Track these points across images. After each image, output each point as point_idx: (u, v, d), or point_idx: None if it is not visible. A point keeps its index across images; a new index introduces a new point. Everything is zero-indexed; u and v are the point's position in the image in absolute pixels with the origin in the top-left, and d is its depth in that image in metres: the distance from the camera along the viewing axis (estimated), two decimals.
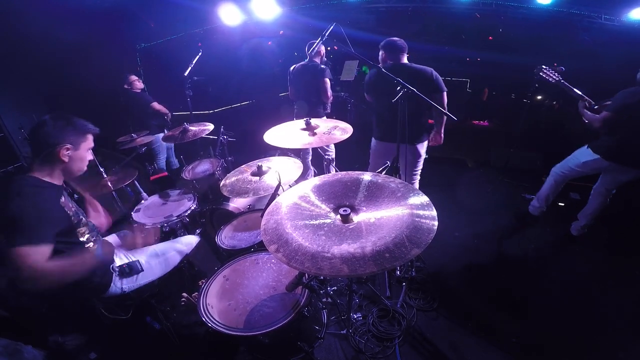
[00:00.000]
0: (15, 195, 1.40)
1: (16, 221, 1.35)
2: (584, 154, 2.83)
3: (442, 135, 2.89)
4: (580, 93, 2.79)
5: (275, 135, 2.18)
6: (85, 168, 1.67)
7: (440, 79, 2.63)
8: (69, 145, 1.53)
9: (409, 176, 2.86)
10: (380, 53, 2.79)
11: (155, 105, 4.18)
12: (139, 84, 4.18)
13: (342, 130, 2.18)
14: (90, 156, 1.68)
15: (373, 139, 3.05)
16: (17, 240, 1.32)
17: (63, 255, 1.47)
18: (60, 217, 1.54)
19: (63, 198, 1.61)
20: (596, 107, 2.72)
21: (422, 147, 2.84)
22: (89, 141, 1.64)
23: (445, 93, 2.64)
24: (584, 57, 4.31)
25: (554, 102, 5.24)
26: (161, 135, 4.15)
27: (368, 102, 3.03)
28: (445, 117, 2.76)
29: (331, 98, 3.84)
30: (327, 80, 3.66)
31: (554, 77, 2.88)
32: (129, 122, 4.30)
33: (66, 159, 1.54)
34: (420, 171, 2.98)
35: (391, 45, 2.72)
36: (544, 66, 2.90)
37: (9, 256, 1.31)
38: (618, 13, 3.89)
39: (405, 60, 2.73)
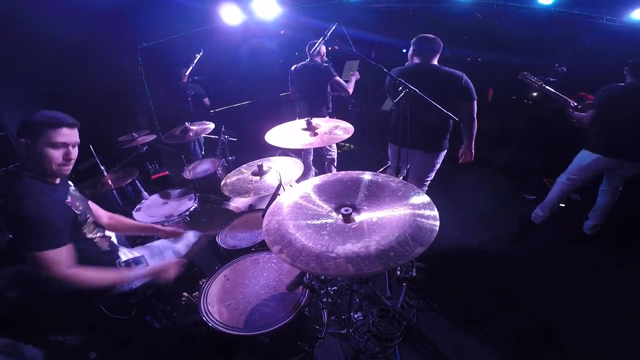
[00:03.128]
0: (23, 196, 1.37)
1: (30, 225, 1.35)
2: (584, 158, 2.83)
3: (473, 150, 2.67)
4: (563, 96, 2.87)
5: (276, 136, 2.18)
6: (58, 166, 1.48)
7: (472, 86, 2.40)
8: (22, 140, 1.43)
9: (417, 183, 2.74)
10: (411, 49, 2.55)
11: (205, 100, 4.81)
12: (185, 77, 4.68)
13: (344, 130, 2.18)
14: (63, 155, 1.48)
15: (390, 144, 2.85)
16: (38, 245, 1.35)
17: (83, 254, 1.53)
18: (68, 215, 1.55)
19: (69, 197, 1.61)
20: (580, 107, 2.81)
21: (440, 158, 2.66)
22: (48, 137, 1.43)
23: (475, 102, 2.43)
24: (585, 57, 4.31)
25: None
26: None
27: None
28: (475, 129, 2.54)
29: (351, 91, 3.81)
30: (338, 79, 3.64)
31: (537, 82, 2.95)
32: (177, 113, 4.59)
33: (23, 153, 1.45)
34: (430, 181, 2.84)
35: (422, 44, 2.47)
36: (526, 72, 2.98)
37: (33, 260, 1.36)
38: (620, 13, 3.88)
39: (435, 61, 2.50)
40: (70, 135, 1.49)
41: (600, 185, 2.97)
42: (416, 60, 2.53)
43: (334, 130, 2.19)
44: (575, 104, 2.82)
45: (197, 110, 4.79)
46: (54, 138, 1.44)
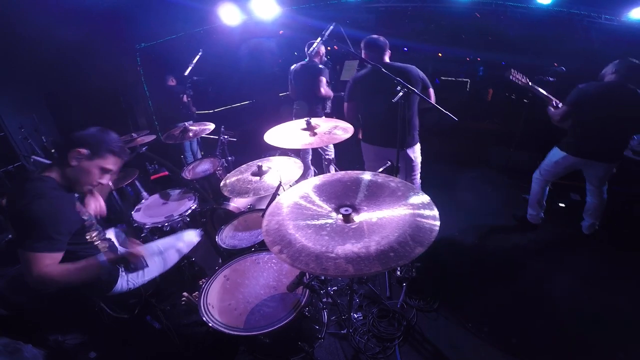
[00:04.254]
0: (38, 196, 1.37)
1: (37, 225, 1.34)
2: (554, 154, 2.90)
3: None
4: (547, 94, 2.89)
5: (275, 136, 2.18)
6: (89, 185, 1.57)
7: (424, 75, 2.54)
8: (83, 150, 1.47)
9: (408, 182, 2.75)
10: (362, 53, 2.64)
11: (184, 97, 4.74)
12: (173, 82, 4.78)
13: (343, 129, 2.18)
14: (98, 178, 1.56)
15: (362, 142, 2.90)
16: (35, 245, 1.33)
17: (70, 257, 1.48)
18: (76, 221, 1.55)
19: (78, 203, 1.63)
20: (560, 105, 2.82)
21: (413, 152, 2.70)
22: (106, 161, 1.54)
23: (431, 89, 2.56)
24: (584, 57, 4.31)
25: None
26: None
27: (351, 105, 2.77)
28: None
29: (330, 95, 3.83)
30: (322, 79, 3.66)
31: (522, 79, 2.97)
32: (172, 115, 4.73)
33: (73, 162, 1.47)
34: (419, 175, 2.87)
35: (373, 44, 2.58)
36: (512, 69, 2.99)
37: (23, 257, 1.33)
38: (618, 13, 3.90)
39: (387, 59, 2.60)
40: (119, 166, 1.60)
41: (585, 185, 3.00)
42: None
43: (333, 130, 2.19)
44: (558, 103, 2.84)
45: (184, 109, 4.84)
46: (109, 164, 1.54)
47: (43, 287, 1.37)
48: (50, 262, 1.36)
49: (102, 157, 1.51)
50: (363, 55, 2.66)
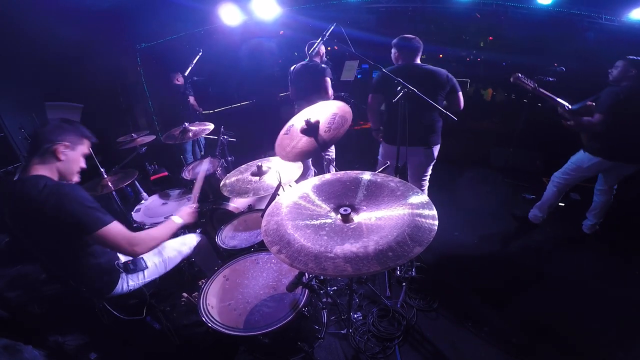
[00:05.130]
0: (61, 185, 1.45)
1: (83, 208, 1.42)
2: (583, 159, 2.80)
3: None
4: (556, 99, 2.82)
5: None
6: (77, 173, 1.65)
7: (455, 79, 2.58)
8: (67, 143, 1.54)
9: (417, 180, 2.77)
10: (393, 51, 2.66)
11: (191, 99, 4.79)
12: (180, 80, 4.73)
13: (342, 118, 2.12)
14: (83, 163, 1.68)
15: (384, 143, 2.88)
16: (96, 224, 1.43)
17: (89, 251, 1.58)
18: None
19: None
20: (575, 109, 2.73)
21: (437, 150, 2.73)
22: (85, 146, 1.66)
23: (460, 93, 2.60)
24: (584, 57, 4.31)
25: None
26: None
27: (377, 97, 2.76)
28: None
29: (332, 97, 3.83)
30: (328, 79, 3.65)
31: (530, 84, 2.92)
32: (175, 115, 4.69)
33: (62, 157, 1.53)
34: (428, 176, 2.87)
35: (405, 45, 2.58)
36: (519, 74, 2.94)
37: (98, 240, 1.48)
38: (618, 13, 3.90)
39: (418, 60, 2.62)
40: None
41: (595, 185, 2.97)
42: (400, 62, 2.63)
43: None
44: (570, 106, 2.76)
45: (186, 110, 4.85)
46: (86, 149, 1.68)
47: (135, 252, 1.57)
48: (121, 229, 1.51)
49: (81, 143, 1.63)
50: (393, 54, 2.68)
